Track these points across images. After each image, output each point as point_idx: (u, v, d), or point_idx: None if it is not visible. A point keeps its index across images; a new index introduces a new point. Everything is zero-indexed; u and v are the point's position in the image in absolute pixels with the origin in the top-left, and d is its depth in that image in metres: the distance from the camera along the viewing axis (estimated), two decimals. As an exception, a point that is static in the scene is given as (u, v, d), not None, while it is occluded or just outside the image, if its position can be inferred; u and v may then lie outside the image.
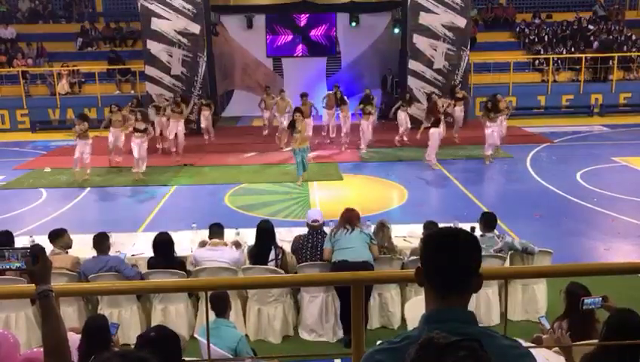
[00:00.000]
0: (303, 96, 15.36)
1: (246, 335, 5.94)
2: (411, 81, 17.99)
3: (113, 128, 13.86)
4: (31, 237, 7.19)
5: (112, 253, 6.37)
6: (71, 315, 6.02)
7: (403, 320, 6.30)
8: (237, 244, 6.61)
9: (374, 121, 15.87)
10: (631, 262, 3.01)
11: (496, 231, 6.58)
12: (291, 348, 6.09)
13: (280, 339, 6.22)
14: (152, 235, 6.59)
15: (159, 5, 17.35)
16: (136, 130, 12.85)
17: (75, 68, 20.53)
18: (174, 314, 6.17)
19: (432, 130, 13.26)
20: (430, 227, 6.16)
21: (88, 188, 12.49)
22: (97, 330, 4.00)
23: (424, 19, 17.71)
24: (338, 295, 6.10)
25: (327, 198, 11.35)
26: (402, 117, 15.69)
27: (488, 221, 6.50)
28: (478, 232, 6.44)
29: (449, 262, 1.84)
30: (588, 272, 3.15)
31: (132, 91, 19.95)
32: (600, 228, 9.60)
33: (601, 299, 4.16)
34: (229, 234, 7.12)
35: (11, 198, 12.00)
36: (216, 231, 6.40)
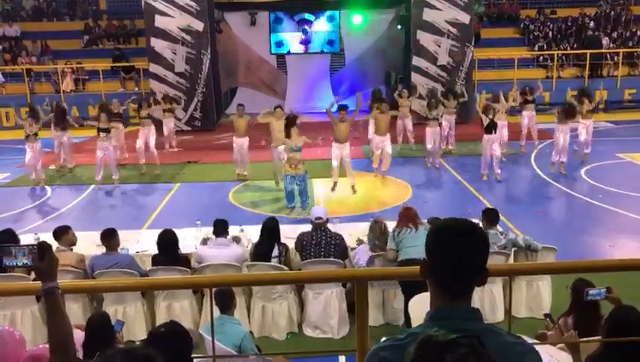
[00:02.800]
0: (342, 109, 11.16)
1: (250, 332, 5.97)
2: (415, 78, 17.95)
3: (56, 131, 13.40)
4: (36, 234, 7.21)
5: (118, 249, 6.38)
6: (76, 312, 6.04)
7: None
8: (236, 239, 6.62)
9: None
10: (637, 259, 2.99)
11: (499, 228, 6.58)
12: (295, 345, 6.10)
13: (284, 336, 6.23)
14: (156, 232, 6.61)
15: (163, 3, 17.36)
16: (100, 130, 12.03)
17: (80, 66, 20.53)
18: (179, 310, 6.18)
19: (485, 137, 11.87)
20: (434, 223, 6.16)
21: (92, 186, 12.50)
22: (99, 328, 4.02)
23: (428, 15, 17.68)
24: (402, 289, 6.11)
25: (331, 195, 11.32)
26: (429, 134, 13.00)
27: (490, 217, 6.50)
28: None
29: (456, 257, 1.81)
30: (593, 269, 3.14)
31: (136, 88, 19.98)
32: (605, 225, 9.58)
33: (605, 289, 4.14)
34: (233, 231, 7.14)
35: (16, 196, 12.04)
36: (220, 227, 6.38)
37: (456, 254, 1.80)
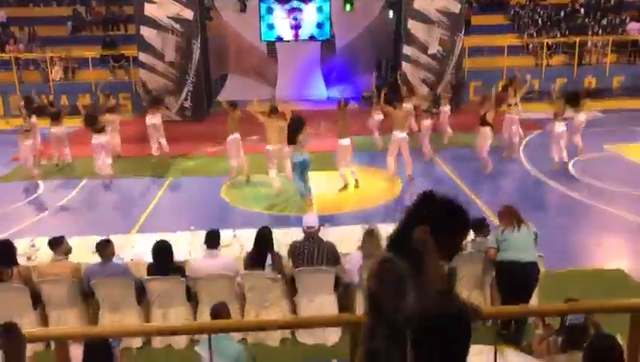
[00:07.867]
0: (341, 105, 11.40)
1: (244, 339, 6.11)
2: (405, 67, 17.99)
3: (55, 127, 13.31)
4: (32, 241, 7.26)
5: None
6: (72, 321, 6.16)
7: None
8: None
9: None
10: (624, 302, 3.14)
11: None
12: (289, 352, 6.23)
13: (278, 343, 6.35)
14: (150, 237, 6.73)
15: (152, -9, 17.22)
16: (95, 130, 11.97)
17: (68, 55, 20.24)
18: (174, 318, 6.30)
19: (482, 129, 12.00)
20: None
21: (85, 180, 12.49)
22: (97, 343, 4.16)
23: (418, 4, 17.66)
24: (499, 290, 6.22)
25: (323, 189, 11.32)
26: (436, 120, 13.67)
27: (478, 227, 6.56)
28: (470, 236, 6.50)
29: (457, 224, 2.65)
30: (581, 311, 3.26)
31: (126, 77, 19.88)
32: (590, 223, 9.75)
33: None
34: (227, 236, 7.23)
35: (7, 191, 12.03)
36: (212, 238, 6.45)
37: (460, 220, 2.59)
